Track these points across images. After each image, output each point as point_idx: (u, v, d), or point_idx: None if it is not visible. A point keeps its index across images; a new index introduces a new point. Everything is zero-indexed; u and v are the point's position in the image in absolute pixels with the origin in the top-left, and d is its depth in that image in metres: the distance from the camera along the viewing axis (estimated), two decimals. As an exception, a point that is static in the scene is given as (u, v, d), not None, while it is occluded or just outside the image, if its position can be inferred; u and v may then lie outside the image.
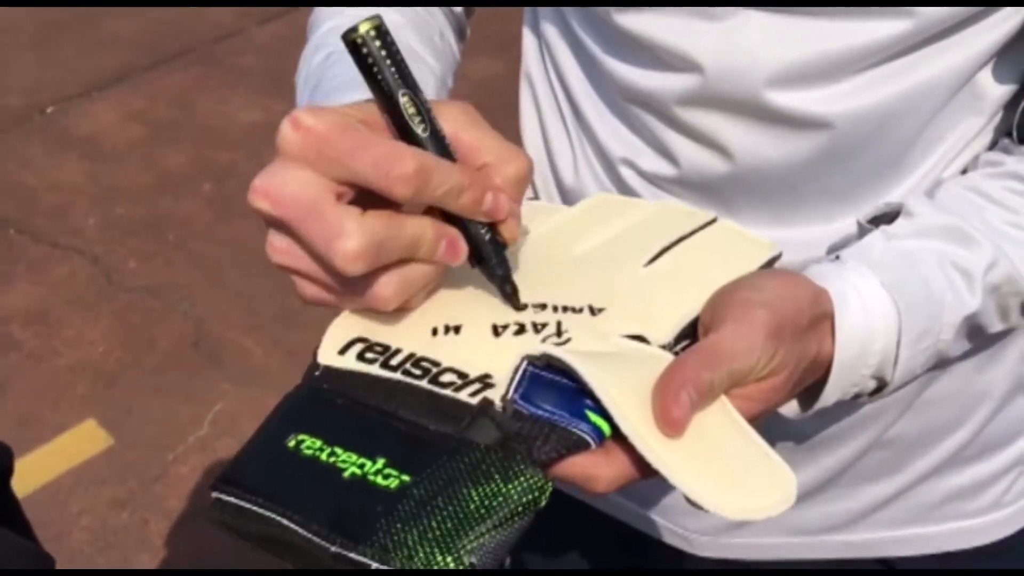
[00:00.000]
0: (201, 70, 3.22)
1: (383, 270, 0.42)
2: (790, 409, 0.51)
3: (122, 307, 2.33)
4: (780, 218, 0.60)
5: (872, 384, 0.51)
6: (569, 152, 0.66)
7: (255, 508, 0.41)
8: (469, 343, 0.45)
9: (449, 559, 0.37)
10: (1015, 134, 0.56)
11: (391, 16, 0.61)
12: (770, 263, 0.52)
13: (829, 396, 0.50)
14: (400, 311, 0.46)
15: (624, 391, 0.41)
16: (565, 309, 0.47)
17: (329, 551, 0.38)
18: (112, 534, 1.85)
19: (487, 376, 0.43)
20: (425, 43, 0.64)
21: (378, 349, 0.45)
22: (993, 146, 0.59)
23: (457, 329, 0.46)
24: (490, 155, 0.44)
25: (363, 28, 0.42)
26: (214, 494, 0.42)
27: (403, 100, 0.43)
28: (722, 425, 0.42)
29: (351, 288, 0.42)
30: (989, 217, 0.53)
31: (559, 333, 0.45)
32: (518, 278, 0.48)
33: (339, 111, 0.42)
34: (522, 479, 0.39)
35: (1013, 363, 0.66)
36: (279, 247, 0.42)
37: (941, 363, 0.55)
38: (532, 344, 0.44)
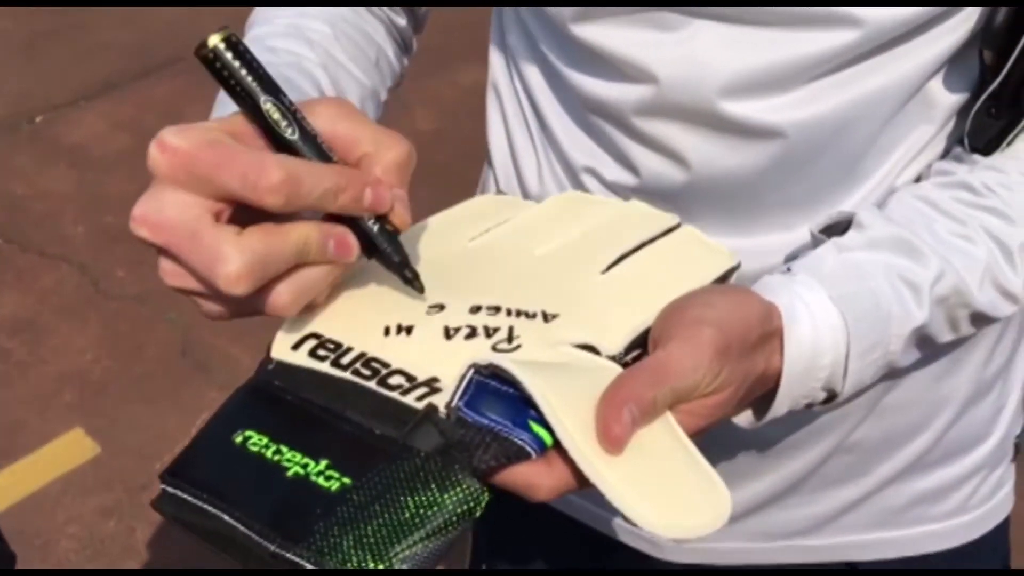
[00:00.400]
0: (190, 79, 3.22)
1: (276, 280, 0.42)
2: (744, 419, 0.52)
3: (110, 315, 2.33)
4: (739, 227, 0.60)
5: (822, 395, 0.52)
6: (534, 161, 0.67)
7: (199, 503, 0.41)
8: (420, 345, 0.45)
9: (380, 566, 0.38)
10: (966, 142, 0.57)
11: (317, 26, 0.62)
12: (728, 273, 0.52)
13: (779, 407, 0.51)
14: (354, 307, 0.46)
15: (567, 403, 0.41)
16: (519, 313, 0.47)
17: (268, 550, 0.39)
18: (99, 542, 1.84)
19: (435, 380, 0.43)
20: (353, 57, 0.63)
21: (330, 346, 0.45)
22: (946, 154, 0.60)
23: (409, 330, 0.46)
24: (368, 145, 0.44)
25: (212, 41, 0.42)
26: (161, 486, 0.43)
27: (266, 107, 0.43)
28: (663, 441, 0.43)
29: (248, 303, 0.42)
30: (938, 229, 0.54)
31: (510, 339, 0.45)
32: (476, 281, 0.49)
33: (205, 126, 0.42)
34: (458, 489, 0.39)
35: (973, 370, 0.67)
36: (169, 271, 0.42)
37: (892, 372, 0.55)
38: (482, 349, 0.45)
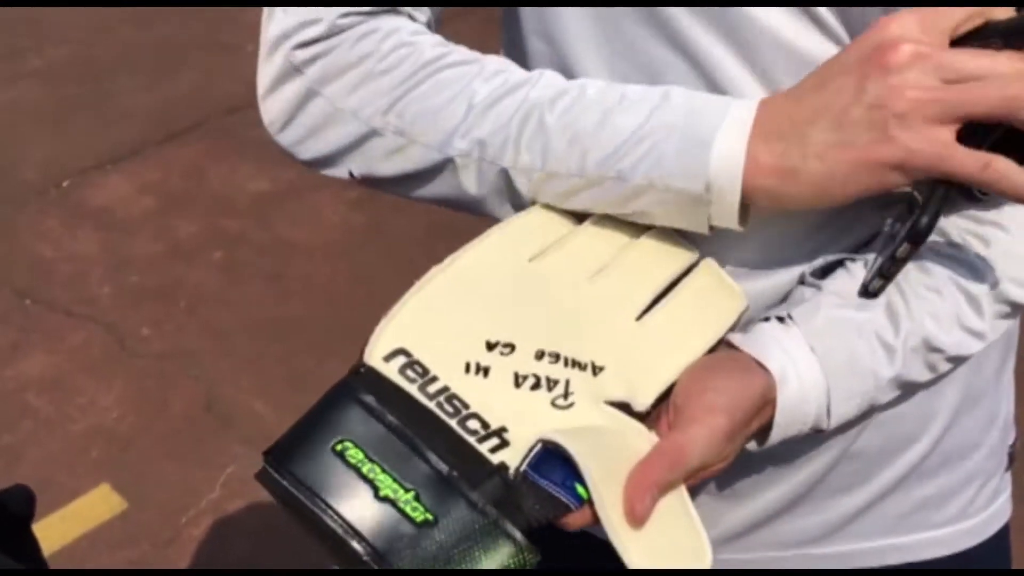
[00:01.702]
0: (212, 142, 3.31)
1: None
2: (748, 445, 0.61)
3: (135, 373, 2.38)
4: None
5: (811, 431, 0.61)
6: None
7: (301, 498, 0.49)
8: (494, 389, 0.53)
9: None
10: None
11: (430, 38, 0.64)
12: (739, 317, 0.62)
13: (772, 443, 0.60)
14: (442, 326, 0.55)
15: (603, 469, 0.52)
16: (574, 364, 0.56)
17: (360, 556, 0.47)
18: (126, 597, 1.87)
19: (504, 430, 0.52)
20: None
21: (418, 369, 0.53)
22: None
23: (486, 371, 0.54)
24: None
25: None
26: (266, 466, 0.50)
27: None
28: (671, 505, 0.53)
29: None
30: (911, 279, 0.61)
31: (566, 395, 0.55)
32: (538, 316, 0.58)
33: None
34: (517, 550, 0.49)
35: (963, 380, 0.71)
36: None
37: (877, 408, 0.63)
38: (543, 404, 0.54)
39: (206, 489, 2.07)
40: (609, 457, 0.53)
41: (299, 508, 0.49)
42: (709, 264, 0.63)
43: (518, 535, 0.49)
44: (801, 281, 0.64)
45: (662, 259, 0.62)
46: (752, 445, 0.61)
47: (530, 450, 0.52)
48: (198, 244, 2.82)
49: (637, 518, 0.51)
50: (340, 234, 2.83)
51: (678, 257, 0.62)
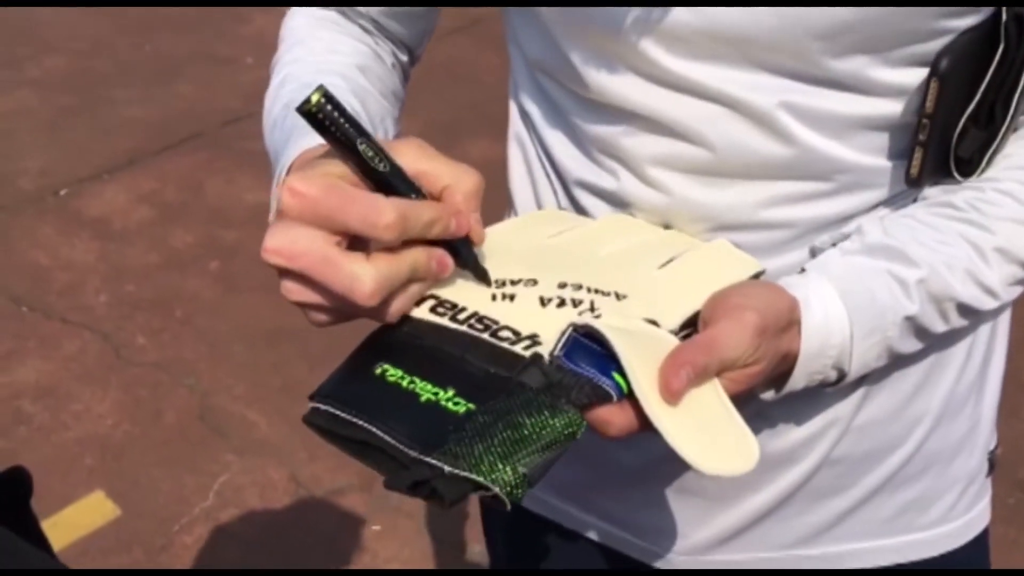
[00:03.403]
0: (209, 153, 3.33)
1: (391, 295, 0.51)
2: (767, 393, 0.62)
3: (130, 381, 2.40)
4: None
5: (833, 374, 0.62)
6: (555, 203, 0.75)
7: (349, 417, 0.50)
8: (521, 309, 0.55)
9: (508, 468, 0.47)
10: (952, 158, 0.64)
11: (344, 60, 0.73)
12: (756, 277, 0.64)
13: (797, 382, 0.61)
14: (465, 277, 0.57)
15: (641, 361, 0.52)
16: (597, 291, 0.58)
17: (409, 455, 0.48)
18: (118, 603, 1.88)
19: (536, 336, 0.53)
20: (375, 85, 0.73)
21: (448, 305, 0.55)
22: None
23: (512, 297, 0.56)
24: (448, 178, 0.54)
25: (314, 99, 0.49)
26: (312, 403, 0.52)
27: (361, 148, 0.51)
28: (710, 400, 0.54)
29: (365, 313, 0.51)
30: (922, 237, 0.63)
31: (592, 309, 0.56)
32: (560, 264, 0.60)
33: (324, 174, 0.51)
34: (565, 416, 0.49)
35: (945, 387, 0.73)
36: (294, 289, 0.51)
37: (897, 359, 0.65)
38: (571, 316, 0.55)
39: (199, 497, 2.08)
40: (642, 347, 0.53)
41: (348, 432, 0.50)
42: (724, 241, 0.67)
43: (561, 403, 0.49)
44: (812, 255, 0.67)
45: (676, 238, 0.67)
46: (770, 393, 0.62)
47: (562, 335, 0.53)
48: (194, 254, 2.84)
49: (673, 392, 0.51)
50: (335, 246, 2.84)
51: (689, 241, 0.67)
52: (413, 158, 0.53)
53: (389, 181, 0.51)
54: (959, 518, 0.80)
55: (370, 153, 0.51)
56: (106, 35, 4.20)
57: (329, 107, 0.50)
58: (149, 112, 3.60)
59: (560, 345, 0.52)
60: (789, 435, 0.72)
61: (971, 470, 0.79)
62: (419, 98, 3.53)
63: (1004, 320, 0.77)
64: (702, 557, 0.79)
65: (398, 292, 0.52)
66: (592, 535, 0.83)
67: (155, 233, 2.94)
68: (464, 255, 0.56)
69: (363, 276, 0.49)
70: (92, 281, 2.74)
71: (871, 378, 0.70)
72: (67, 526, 2.02)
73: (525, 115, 0.75)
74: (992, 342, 0.76)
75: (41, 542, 0.75)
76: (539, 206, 0.76)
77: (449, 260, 0.54)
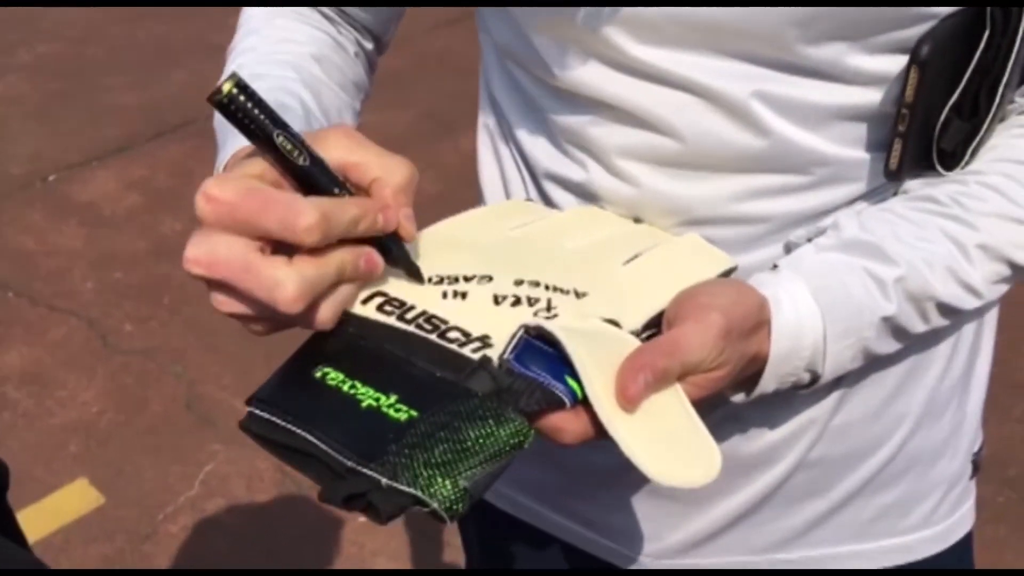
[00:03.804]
0: (200, 141, 3.31)
1: (319, 298, 0.48)
2: (738, 396, 0.59)
3: (116, 369, 2.38)
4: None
5: (807, 376, 0.59)
6: (523, 192, 0.73)
7: (284, 424, 0.47)
8: (473, 308, 0.52)
9: (447, 483, 0.44)
10: (935, 150, 0.62)
11: (297, 49, 0.70)
12: (727, 273, 0.61)
13: (768, 384, 0.58)
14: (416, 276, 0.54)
15: (596, 364, 0.49)
16: (555, 289, 0.55)
17: (345, 465, 0.45)
18: (100, 591, 1.87)
19: (487, 337, 0.50)
20: (330, 74, 0.70)
21: (395, 304, 0.52)
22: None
23: (464, 295, 0.53)
24: (376, 170, 0.51)
25: (226, 88, 0.46)
26: (249, 409, 0.49)
27: (279, 140, 0.47)
28: (671, 405, 0.50)
29: (294, 319, 0.48)
30: (901, 233, 0.60)
31: (548, 308, 0.53)
32: (519, 260, 0.57)
33: (241, 175, 0.48)
34: (511, 425, 0.46)
35: (928, 388, 0.71)
36: (222, 300, 0.48)
37: (875, 360, 0.62)
38: (526, 316, 0.52)
39: (184, 486, 2.07)
40: (599, 349, 0.50)
41: (283, 439, 0.47)
42: (695, 236, 0.64)
43: (508, 411, 0.46)
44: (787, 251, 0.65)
45: (645, 232, 0.64)
46: (740, 395, 0.59)
47: (512, 337, 0.49)
48: (183, 242, 2.69)
49: (629, 398, 0.48)
50: (326, 236, 2.83)
51: (661, 235, 0.64)
52: (341, 149, 0.50)
53: (311, 176, 0.48)
54: (941, 522, 0.78)
55: (288, 146, 0.48)
56: (99, 22, 4.18)
57: (242, 98, 0.46)
58: (140, 99, 3.58)
59: (511, 348, 0.49)
60: (764, 437, 0.70)
61: (954, 473, 0.77)
62: (412, 90, 3.54)
63: (991, 319, 0.75)
64: (675, 560, 0.77)
65: (326, 295, 0.49)
66: (565, 537, 0.82)
67: (144, 220, 2.92)
68: (395, 252, 0.52)
69: (285, 281, 0.46)
70: (79, 267, 2.72)
71: (849, 378, 0.68)
72: (50, 513, 2.01)
73: (495, 103, 0.73)
74: (978, 341, 0.74)
75: (18, 537, 0.73)
76: (508, 197, 0.74)
77: (378, 259, 0.51)
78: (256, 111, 0.47)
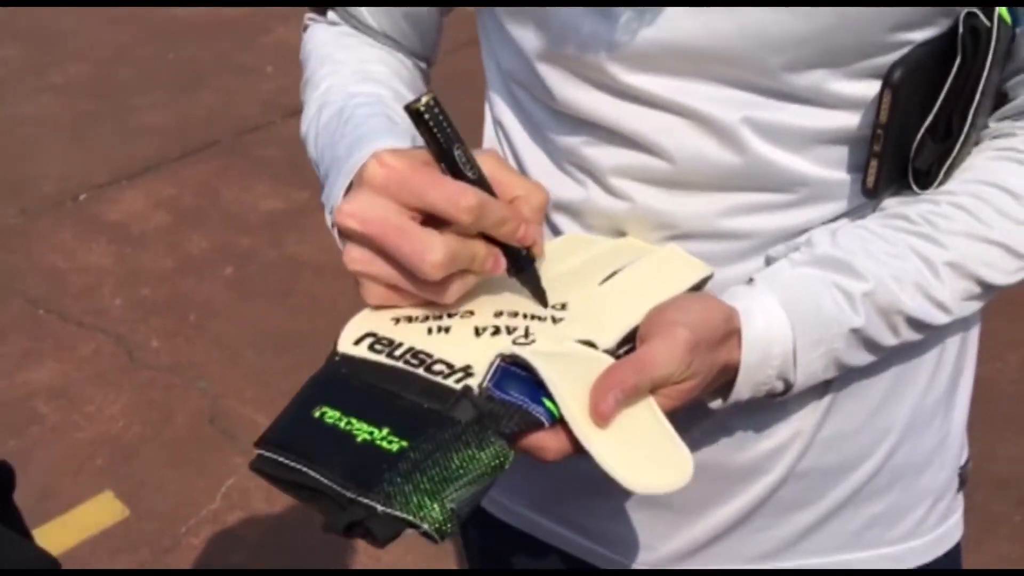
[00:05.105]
0: (226, 160, 3.37)
1: (449, 277, 0.54)
2: (715, 402, 0.62)
3: (142, 384, 2.42)
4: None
5: (780, 384, 0.63)
6: None
7: (289, 462, 0.52)
8: (456, 341, 0.56)
9: (436, 505, 0.48)
10: (911, 169, 0.65)
11: (378, 68, 0.76)
12: (703, 282, 0.64)
13: (741, 391, 0.61)
14: (403, 313, 0.58)
15: (570, 385, 0.53)
16: (532, 316, 0.59)
17: (346, 496, 0.49)
18: (124, 602, 1.90)
19: (468, 367, 0.54)
20: (408, 89, 0.77)
21: (384, 342, 0.56)
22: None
23: (447, 330, 0.57)
24: (519, 190, 0.57)
25: (425, 100, 0.53)
26: (257, 450, 0.53)
27: (457, 153, 0.54)
28: (644, 417, 0.54)
29: (423, 289, 0.55)
30: (872, 249, 0.63)
31: (526, 335, 0.57)
32: (500, 292, 0.61)
33: (412, 154, 0.55)
34: (492, 448, 0.50)
35: (913, 400, 0.73)
36: (358, 257, 0.54)
37: (853, 372, 0.65)
38: (504, 344, 0.56)
39: (206, 499, 2.10)
40: (573, 370, 0.54)
41: (290, 477, 0.51)
42: (673, 246, 0.66)
43: (489, 434, 0.50)
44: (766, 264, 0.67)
45: (626, 247, 0.67)
46: (717, 402, 0.62)
47: (490, 366, 0.53)
48: (209, 260, 2.87)
49: (601, 415, 0.51)
50: (348, 254, 2.87)
51: (642, 250, 0.67)
52: (490, 166, 0.56)
53: (474, 185, 0.54)
54: (928, 533, 0.79)
55: (464, 159, 0.54)
56: (129, 43, 4.26)
57: (436, 109, 0.53)
58: (169, 119, 3.64)
59: (489, 376, 0.53)
60: (753, 448, 0.72)
61: (940, 485, 0.79)
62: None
63: (974, 336, 0.76)
64: (669, 569, 0.79)
65: (457, 276, 0.54)
66: (562, 546, 0.84)
67: (171, 238, 2.97)
68: (525, 267, 0.59)
69: (436, 247, 0.52)
70: (108, 285, 2.77)
71: (834, 390, 0.70)
72: (76, 525, 2.05)
73: (498, 125, 0.76)
74: (962, 358, 0.76)
75: (24, 535, 0.77)
76: None
77: (503, 261, 0.56)
78: (444, 123, 0.54)
